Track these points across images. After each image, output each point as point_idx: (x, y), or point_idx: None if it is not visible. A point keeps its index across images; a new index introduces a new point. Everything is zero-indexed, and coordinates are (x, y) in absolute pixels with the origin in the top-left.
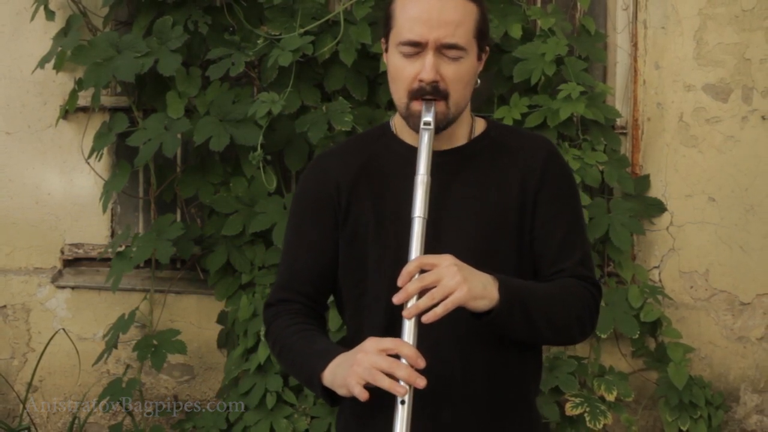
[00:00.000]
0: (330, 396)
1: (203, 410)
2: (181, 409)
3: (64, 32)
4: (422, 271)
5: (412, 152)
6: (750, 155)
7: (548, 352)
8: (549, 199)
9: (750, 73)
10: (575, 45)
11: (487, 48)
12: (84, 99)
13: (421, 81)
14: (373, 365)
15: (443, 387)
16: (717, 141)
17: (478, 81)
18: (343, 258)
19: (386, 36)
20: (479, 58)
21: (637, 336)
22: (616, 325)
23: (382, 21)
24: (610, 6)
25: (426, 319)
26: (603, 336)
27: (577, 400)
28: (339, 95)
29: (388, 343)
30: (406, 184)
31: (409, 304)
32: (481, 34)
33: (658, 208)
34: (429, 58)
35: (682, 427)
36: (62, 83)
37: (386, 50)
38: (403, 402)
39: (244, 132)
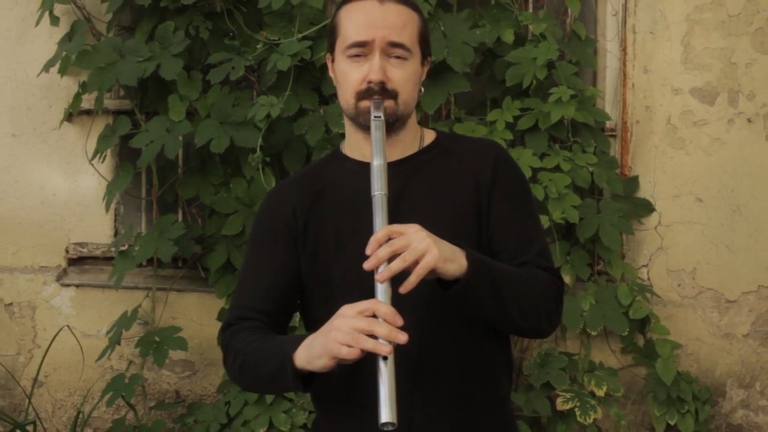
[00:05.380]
0: (302, 381)
1: (204, 405)
2: (182, 403)
3: (68, 37)
4: (391, 240)
5: (365, 168)
6: (736, 157)
7: (540, 348)
8: (502, 197)
9: (736, 77)
10: (566, 49)
11: (429, 58)
12: (88, 102)
13: (369, 82)
14: (351, 327)
15: (415, 387)
16: (704, 143)
17: (422, 89)
18: (307, 278)
19: (331, 47)
20: (422, 65)
21: (626, 333)
22: (606, 322)
23: (327, 34)
24: (600, 12)
25: (403, 289)
26: (593, 333)
27: (568, 395)
28: (336, 98)
29: (363, 304)
30: (362, 197)
31: (381, 269)
32: (424, 39)
33: (647, 208)
34: (376, 59)
35: (669, 422)
36: (66, 87)
37: (332, 61)
38: (385, 358)
39: (244, 134)
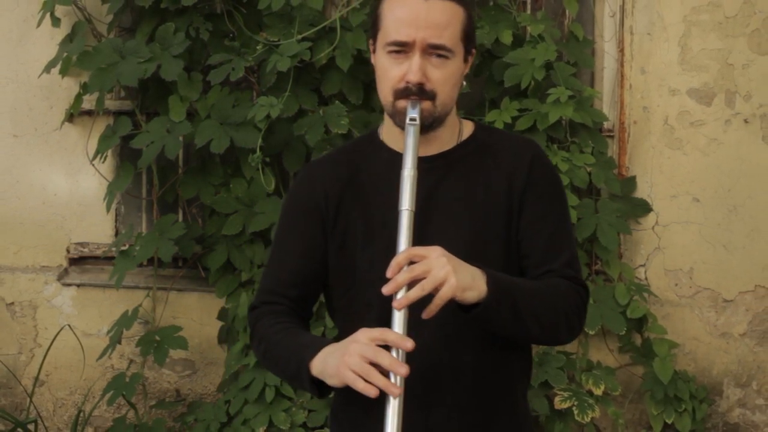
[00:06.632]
0: (317, 387)
1: (204, 403)
2: (183, 401)
3: (69, 38)
4: (411, 263)
5: (399, 159)
6: (733, 157)
7: (537, 347)
8: (535, 200)
9: (733, 78)
10: (564, 50)
11: (473, 51)
12: (89, 103)
13: (407, 82)
14: (360, 354)
15: (433, 389)
16: (701, 143)
17: (464, 83)
18: (333, 265)
19: (374, 37)
20: (465, 61)
21: (623, 332)
22: (604, 321)
23: (370, 22)
24: (597, 13)
25: (426, 314)
26: (591, 332)
27: (566, 394)
28: (335, 99)
29: (376, 332)
30: (394, 191)
31: (399, 295)
32: (468, 37)
33: (644, 208)
34: (416, 59)
35: (667, 420)
36: (68, 87)
37: (374, 51)
38: (394, 396)
39: (244, 135)
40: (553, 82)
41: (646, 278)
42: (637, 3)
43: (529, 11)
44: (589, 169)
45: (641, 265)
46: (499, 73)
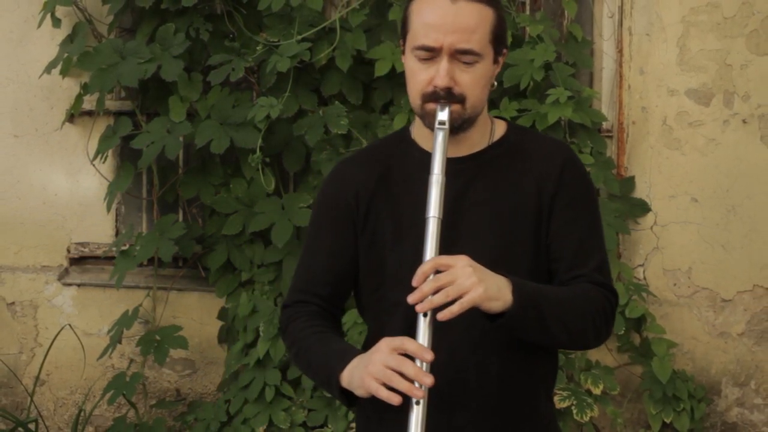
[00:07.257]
0: (347, 396)
1: (204, 403)
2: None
3: (70, 39)
4: (437, 272)
5: (430, 158)
6: (731, 157)
7: None
8: (566, 204)
9: (731, 79)
10: (563, 51)
11: (505, 51)
12: (89, 103)
13: (435, 86)
14: (383, 364)
15: (458, 392)
16: (699, 144)
17: (495, 83)
18: (363, 263)
19: (403, 38)
20: (496, 61)
21: (622, 332)
22: None
23: (399, 23)
24: (596, 13)
25: (441, 316)
26: None
27: (565, 394)
28: (335, 99)
29: (396, 341)
30: (424, 191)
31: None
32: (498, 38)
33: (643, 208)
34: (443, 63)
35: (665, 420)
36: (68, 88)
37: (403, 52)
38: (417, 402)
39: (244, 135)
40: (552, 83)
41: (644, 278)
42: (636, 4)
43: (528, 12)
44: (588, 170)
45: (640, 265)
46: (498, 74)
